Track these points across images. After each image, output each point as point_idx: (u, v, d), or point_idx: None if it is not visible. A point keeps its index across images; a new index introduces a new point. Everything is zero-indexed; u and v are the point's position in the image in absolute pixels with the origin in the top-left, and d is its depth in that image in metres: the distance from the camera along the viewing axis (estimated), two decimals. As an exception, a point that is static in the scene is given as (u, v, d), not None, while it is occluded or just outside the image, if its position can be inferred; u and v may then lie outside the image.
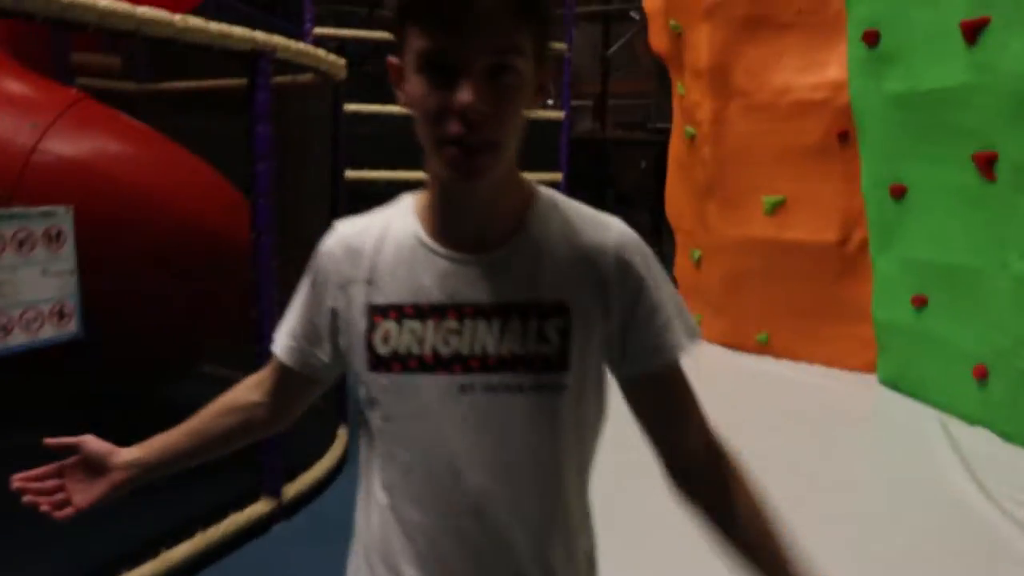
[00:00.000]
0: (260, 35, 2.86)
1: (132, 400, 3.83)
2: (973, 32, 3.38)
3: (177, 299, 3.06)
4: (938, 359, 3.85)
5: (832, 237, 4.49)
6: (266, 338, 3.25)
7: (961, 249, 3.63)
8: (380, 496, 0.95)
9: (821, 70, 4.35)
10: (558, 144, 7.51)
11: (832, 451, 3.38)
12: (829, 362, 4.58)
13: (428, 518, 0.90)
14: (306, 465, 3.40)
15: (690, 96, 5.07)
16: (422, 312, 0.88)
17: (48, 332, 2.10)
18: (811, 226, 4.54)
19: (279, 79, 3.14)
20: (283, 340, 1.00)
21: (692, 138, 5.11)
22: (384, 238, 0.93)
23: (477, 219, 0.89)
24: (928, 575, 2.21)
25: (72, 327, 2.15)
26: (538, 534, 0.91)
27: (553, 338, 0.88)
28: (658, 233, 7.64)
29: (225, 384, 1.13)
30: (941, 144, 3.69)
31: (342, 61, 3.58)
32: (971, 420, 3.53)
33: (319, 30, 6.83)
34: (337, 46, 6.71)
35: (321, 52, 3.32)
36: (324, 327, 0.96)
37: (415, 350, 0.89)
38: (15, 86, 3.19)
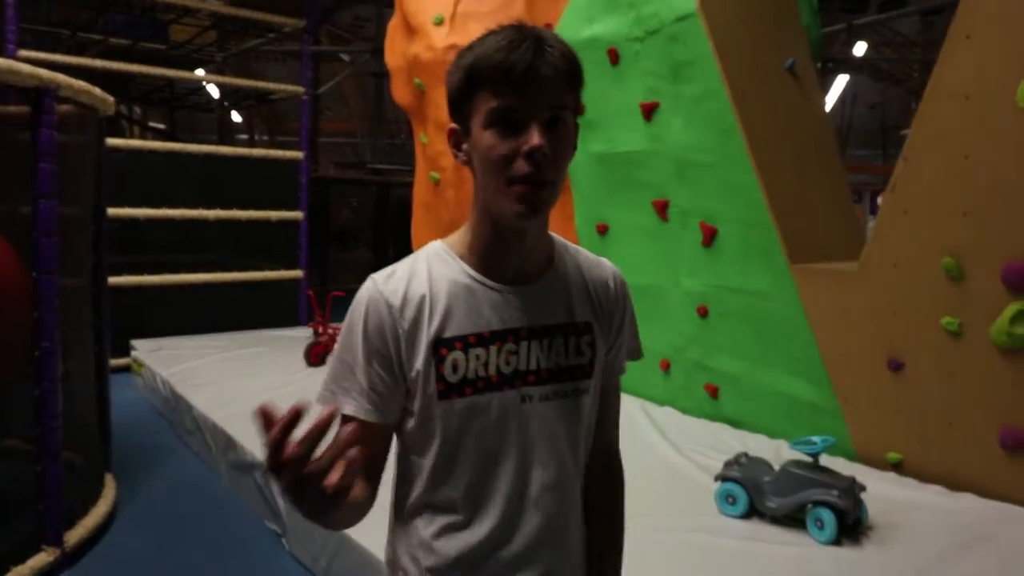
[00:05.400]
0: (44, 72, 2.83)
1: None
2: (649, 112, 4.21)
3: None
4: (637, 359, 4.79)
5: (554, 267, 5.29)
6: (48, 378, 3.18)
7: (648, 272, 4.37)
8: (425, 528, 1.02)
9: (540, 131, 5.21)
10: (298, 183, 7.60)
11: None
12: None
13: (493, 526, 0.98)
14: (81, 512, 3.25)
15: (433, 146, 5.48)
16: (484, 339, 0.99)
17: None
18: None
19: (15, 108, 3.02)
20: (358, 402, 0.98)
21: (437, 182, 5.52)
22: (432, 280, 1.00)
23: (521, 257, 1.02)
24: (643, 497, 3.00)
25: None
26: (575, 518, 1.08)
27: (586, 351, 1.05)
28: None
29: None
30: (630, 193, 4.43)
31: (110, 97, 3.54)
32: (660, 402, 4.36)
33: (26, 53, 6.19)
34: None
35: (97, 89, 3.29)
36: (389, 375, 0.98)
37: (482, 373, 0.98)
38: None
